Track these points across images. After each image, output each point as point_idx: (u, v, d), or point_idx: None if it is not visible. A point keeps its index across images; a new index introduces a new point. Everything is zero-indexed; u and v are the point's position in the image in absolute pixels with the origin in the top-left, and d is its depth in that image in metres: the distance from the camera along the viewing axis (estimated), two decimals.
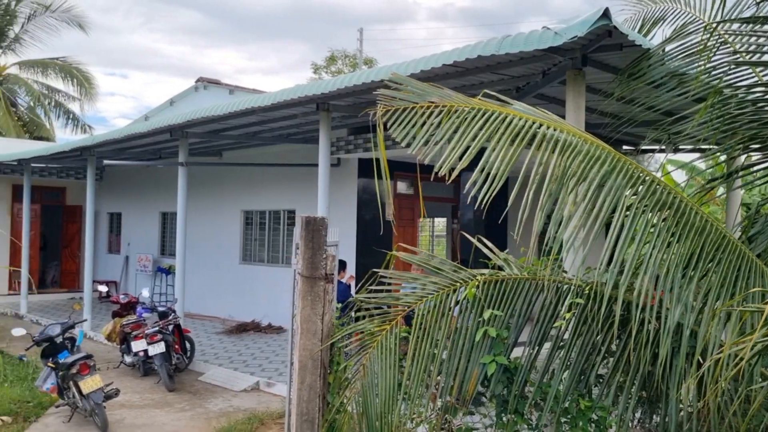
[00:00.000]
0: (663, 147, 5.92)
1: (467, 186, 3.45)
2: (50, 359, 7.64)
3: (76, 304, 8.42)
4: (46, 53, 27.93)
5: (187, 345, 10.26)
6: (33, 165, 17.16)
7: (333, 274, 5.11)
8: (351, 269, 11.00)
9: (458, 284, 4.49)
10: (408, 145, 3.65)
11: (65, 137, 26.59)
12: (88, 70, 27.71)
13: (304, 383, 4.96)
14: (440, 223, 21.41)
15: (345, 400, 4.69)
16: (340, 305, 5.17)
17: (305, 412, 4.97)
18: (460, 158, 3.56)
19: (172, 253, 17.08)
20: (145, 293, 10.79)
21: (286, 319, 14.13)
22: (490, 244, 4.90)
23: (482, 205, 3.31)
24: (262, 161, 14.38)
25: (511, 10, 69.99)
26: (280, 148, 13.91)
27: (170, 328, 9.71)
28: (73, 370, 7.02)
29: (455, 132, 3.62)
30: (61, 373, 7.21)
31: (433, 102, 3.75)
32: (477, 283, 4.37)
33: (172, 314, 9.93)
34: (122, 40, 75.64)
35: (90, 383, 6.98)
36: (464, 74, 6.88)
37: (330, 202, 13.05)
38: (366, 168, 12.45)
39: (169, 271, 16.60)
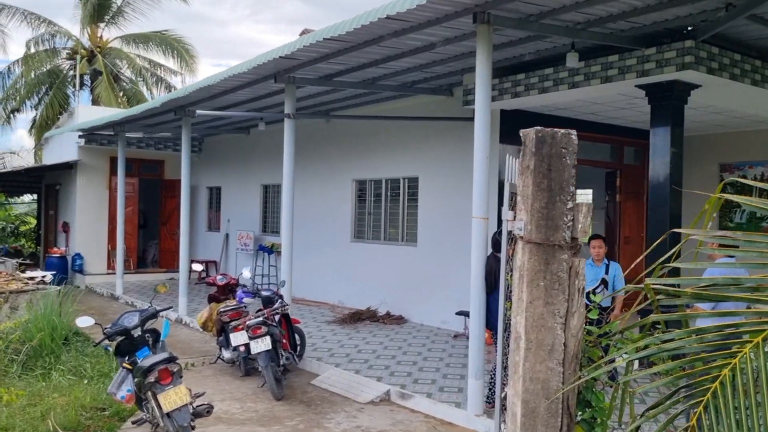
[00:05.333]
0: None
1: None
2: (126, 358, 5.76)
3: (160, 286, 6.61)
4: (150, 29, 27.22)
5: (297, 339, 8.27)
6: (129, 136, 15.87)
7: (581, 242, 2.75)
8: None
9: None
10: None
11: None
12: (190, 44, 26.70)
13: None
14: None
15: None
16: (596, 296, 2.81)
17: None
18: None
19: (275, 231, 15.36)
20: (246, 273, 8.90)
21: (407, 308, 11.83)
22: None
23: None
24: (371, 123, 12.23)
25: None
26: (398, 105, 11.68)
27: (276, 317, 7.73)
28: (151, 378, 5.09)
29: None
30: (136, 380, 5.31)
31: None
32: None
33: (279, 300, 7.94)
34: (229, 31, 76.82)
35: (172, 398, 5.02)
36: None
37: (460, 165, 10.75)
38: (511, 122, 9.94)
39: (271, 249, 14.85)
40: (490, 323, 6.29)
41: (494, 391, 6.41)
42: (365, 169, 12.63)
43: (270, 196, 15.84)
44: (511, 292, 2.87)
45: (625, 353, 2.38)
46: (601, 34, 7.20)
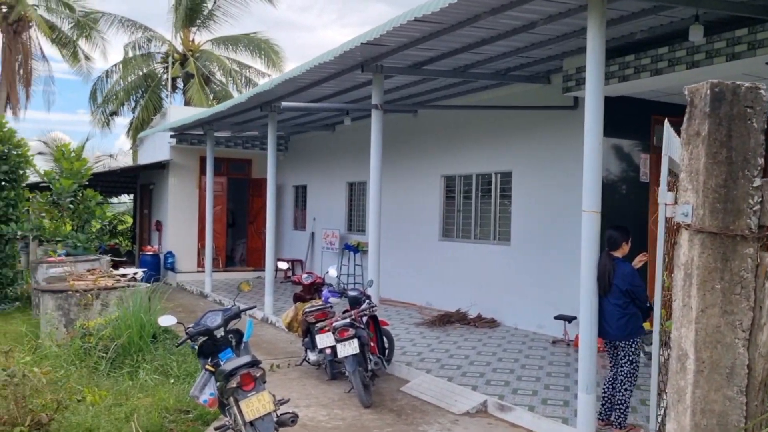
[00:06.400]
0: None
1: None
2: (209, 359, 5.46)
3: (243, 284, 6.24)
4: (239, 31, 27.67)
5: (385, 342, 7.82)
6: (217, 135, 16.03)
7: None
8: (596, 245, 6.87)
9: None
10: None
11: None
12: (277, 44, 27.02)
13: None
14: None
15: None
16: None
17: None
18: None
19: (360, 229, 15.05)
20: (332, 272, 8.53)
21: (500, 311, 10.90)
22: None
23: None
24: (461, 116, 11.63)
25: None
26: (490, 95, 11.02)
27: (364, 319, 7.30)
28: (233, 383, 4.75)
29: None
30: (218, 384, 4.99)
31: None
32: None
33: (366, 301, 7.51)
34: (316, 36, 78.38)
35: (255, 405, 4.66)
36: None
37: (558, 158, 9.97)
38: (615, 111, 9.05)
39: (357, 248, 14.53)
40: (603, 330, 5.59)
41: (607, 407, 5.71)
42: (454, 164, 12.06)
43: (355, 194, 15.54)
44: (669, 296, 2.25)
45: None
46: (730, 3, 6.33)
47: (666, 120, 2.69)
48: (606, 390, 5.76)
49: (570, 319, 9.11)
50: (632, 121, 9.41)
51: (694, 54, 7.25)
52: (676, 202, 2.14)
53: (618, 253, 5.66)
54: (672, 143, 2.48)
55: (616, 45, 8.03)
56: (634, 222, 9.35)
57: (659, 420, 2.48)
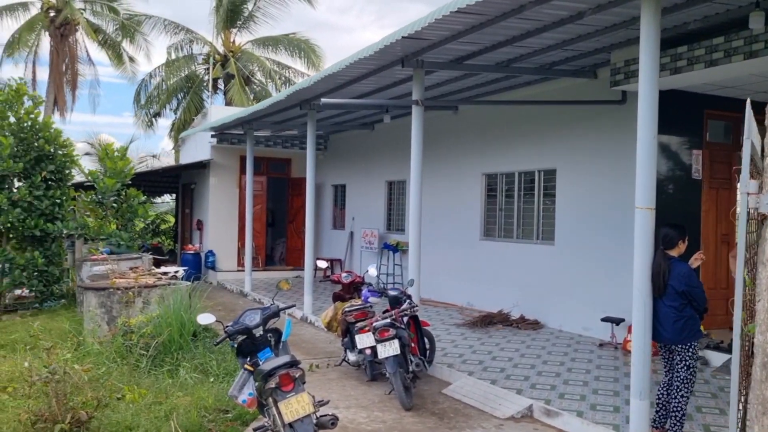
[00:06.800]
0: None
1: None
2: (248, 359, 5.36)
3: (282, 282, 6.13)
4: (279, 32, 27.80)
5: (426, 343, 7.64)
6: (257, 135, 16.11)
7: None
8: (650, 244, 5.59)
9: None
10: None
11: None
12: (317, 44, 27.04)
13: None
14: None
15: None
16: None
17: None
18: None
19: (399, 228, 14.90)
20: (372, 271, 8.38)
21: (544, 312, 10.35)
22: None
23: None
24: (503, 113, 11.36)
25: None
26: (533, 91, 10.73)
27: (405, 319, 7.13)
28: (272, 384, 4.63)
29: None
30: (256, 384, 4.89)
31: None
32: None
33: (407, 301, 7.34)
34: (355, 37, 78.79)
35: (294, 407, 4.53)
36: None
37: (604, 154, 9.63)
38: (667, 104, 8.67)
39: (396, 248, 14.37)
40: (657, 333, 5.31)
41: (662, 414, 5.42)
42: (496, 162, 11.79)
43: (394, 193, 15.39)
44: (753, 296, 2.02)
45: None
46: None
47: (748, 100, 2.45)
48: (660, 396, 5.47)
49: (618, 321, 8.79)
50: (683, 116, 9.02)
51: (753, 43, 6.88)
52: (760, 191, 1.92)
53: (674, 252, 5.37)
54: (752, 128, 2.26)
55: (668, 36, 7.68)
56: (686, 221, 8.97)
57: None
